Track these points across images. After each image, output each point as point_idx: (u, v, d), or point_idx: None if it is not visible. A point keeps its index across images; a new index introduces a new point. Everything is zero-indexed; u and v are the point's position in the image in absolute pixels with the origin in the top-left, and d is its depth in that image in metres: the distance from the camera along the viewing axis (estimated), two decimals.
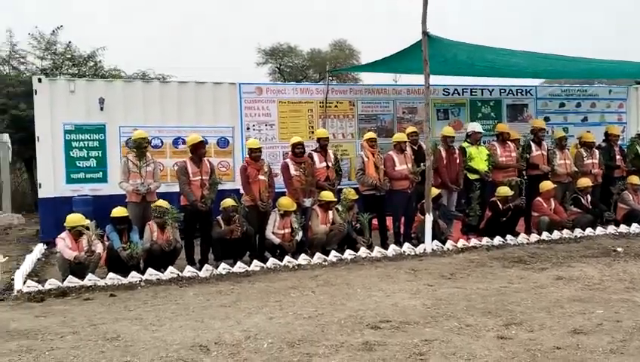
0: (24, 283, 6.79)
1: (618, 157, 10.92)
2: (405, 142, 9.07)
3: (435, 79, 11.73)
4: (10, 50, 15.41)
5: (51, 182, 9.73)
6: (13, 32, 15.22)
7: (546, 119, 12.63)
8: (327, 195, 8.47)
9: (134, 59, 24.35)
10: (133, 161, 8.22)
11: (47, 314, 5.84)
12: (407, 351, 4.54)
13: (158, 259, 7.49)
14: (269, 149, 10.58)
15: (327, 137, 9.15)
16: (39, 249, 8.97)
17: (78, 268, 7.03)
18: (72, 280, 6.77)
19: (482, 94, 12.63)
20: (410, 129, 9.65)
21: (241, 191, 9.67)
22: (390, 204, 8.90)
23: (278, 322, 5.36)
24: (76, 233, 7.14)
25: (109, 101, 10.02)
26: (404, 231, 8.97)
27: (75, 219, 7.20)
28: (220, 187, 8.55)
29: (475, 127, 10.06)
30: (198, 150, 8.04)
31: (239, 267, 7.56)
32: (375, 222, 8.92)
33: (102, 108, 9.93)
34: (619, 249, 8.42)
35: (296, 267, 7.72)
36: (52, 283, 6.74)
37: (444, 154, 9.40)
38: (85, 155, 9.91)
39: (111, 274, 6.99)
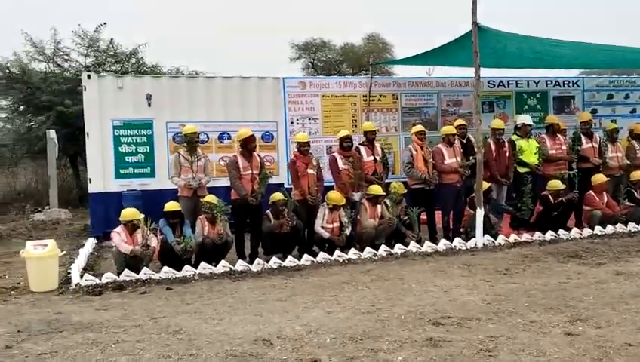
0: (81, 276, 6.90)
1: None
2: (454, 135, 8.93)
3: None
4: (54, 47, 15.64)
5: (101, 177, 9.87)
6: (57, 30, 15.48)
7: (594, 111, 12.35)
8: (376, 189, 8.41)
9: (165, 57, 24.49)
10: (184, 155, 8.28)
11: (107, 307, 5.93)
12: (473, 347, 4.47)
13: (209, 253, 7.54)
14: (312, 143, 10.48)
15: (375, 130, 9.08)
16: (91, 243, 9.11)
17: (132, 262, 7.12)
18: (128, 274, 6.86)
19: (528, 86, 12.40)
20: (459, 122, 9.50)
21: (285, 185, 9.73)
22: (439, 198, 8.79)
23: (337, 317, 5.34)
24: (131, 227, 7.22)
25: (156, 97, 10.11)
26: (453, 225, 8.85)
27: (130, 213, 7.29)
28: None
29: (525, 119, 9.86)
30: (248, 144, 8.04)
31: (290, 261, 7.57)
32: (423, 216, 8.82)
33: (149, 105, 10.03)
34: None
35: (346, 261, 7.69)
36: (109, 276, 6.84)
37: (493, 147, 9.23)
38: (134, 151, 10.02)
39: (165, 268, 7.06)
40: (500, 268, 7.09)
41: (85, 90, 9.91)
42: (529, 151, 9.45)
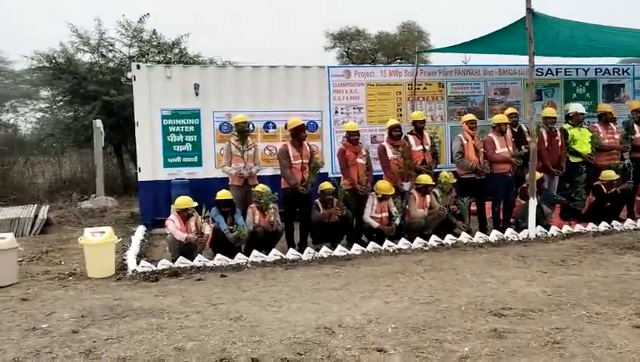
0: (137, 263, 7.02)
1: None
2: (506, 123, 8.77)
3: (525, 59, 11.36)
4: (99, 38, 15.88)
5: (150, 166, 9.99)
6: (101, 21, 15.70)
7: None
8: (426, 179, 8.33)
9: (201, 47, 24.44)
10: (235, 144, 8.33)
11: (165, 293, 6.01)
12: (540, 339, 4.41)
13: (260, 242, 7.59)
14: None
15: (424, 120, 8.97)
16: (141, 230, 9.25)
17: (186, 249, 7.21)
18: (183, 261, 6.96)
19: (577, 74, 12.10)
20: (510, 110, 9.33)
21: (330, 175, 9.69)
22: (490, 188, 8.65)
23: (396, 307, 5.31)
24: (185, 215, 7.31)
25: (203, 86, 10.18)
26: (503, 216, 8.72)
27: (184, 201, 7.37)
28: None
29: (578, 107, 9.63)
30: (299, 133, 8.01)
31: (340, 250, 7.57)
32: (472, 206, 8.71)
33: (197, 94, 10.10)
34: None
35: (396, 251, 7.66)
36: (164, 263, 6.95)
37: (545, 136, 9.04)
38: (182, 140, 10.11)
39: (219, 256, 7.13)
40: (556, 260, 6.98)
41: (135, 79, 10.03)
42: (582, 140, 9.25)
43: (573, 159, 9.23)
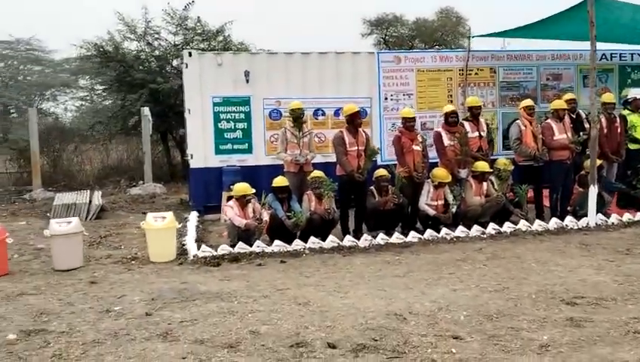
0: (198, 248, 7.11)
1: None
2: (565, 109, 8.56)
3: (580, 44, 11.08)
4: (145, 26, 16.02)
5: (201, 153, 10.06)
6: (147, 9, 15.83)
7: None
8: (483, 166, 8.21)
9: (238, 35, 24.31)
10: (291, 131, 8.33)
11: (229, 278, 6.07)
12: (619, 328, 4.33)
13: (316, 229, 7.60)
14: None
15: (480, 105, 8.80)
16: (194, 216, 9.36)
17: (244, 235, 7.26)
18: (242, 247, 7.01)
19: (632, 59, 11.75)
20: (568, 96, 9.12)
21: (379, 162, 9.58)
22: (548, 176, 8.48)
23: (464, 294, 5.27)
24: (244, 201, 7.36)
25: (253, 73, 10.20)
26: (561, 203, 8.55)
27: (242, 188, 7.41)
28: None
29: (637, 93, 9.37)
30: (355, 120, 7.96)
31: (397, 238, 7.54)
32: (530, 193, 8.56)
33: (247, 81, 10.11)
34: None
35: (454, 239, 7.59)
36: (224, 248, 7.01)
37: (604, 123, 8.82)
38: (232, 127, 10.14)
39: (277, 242, 7.17)
40: (621, 248, 6.84)
41: (187, 67, 10.07)
42: None
43: (631, 146, 9.00)
